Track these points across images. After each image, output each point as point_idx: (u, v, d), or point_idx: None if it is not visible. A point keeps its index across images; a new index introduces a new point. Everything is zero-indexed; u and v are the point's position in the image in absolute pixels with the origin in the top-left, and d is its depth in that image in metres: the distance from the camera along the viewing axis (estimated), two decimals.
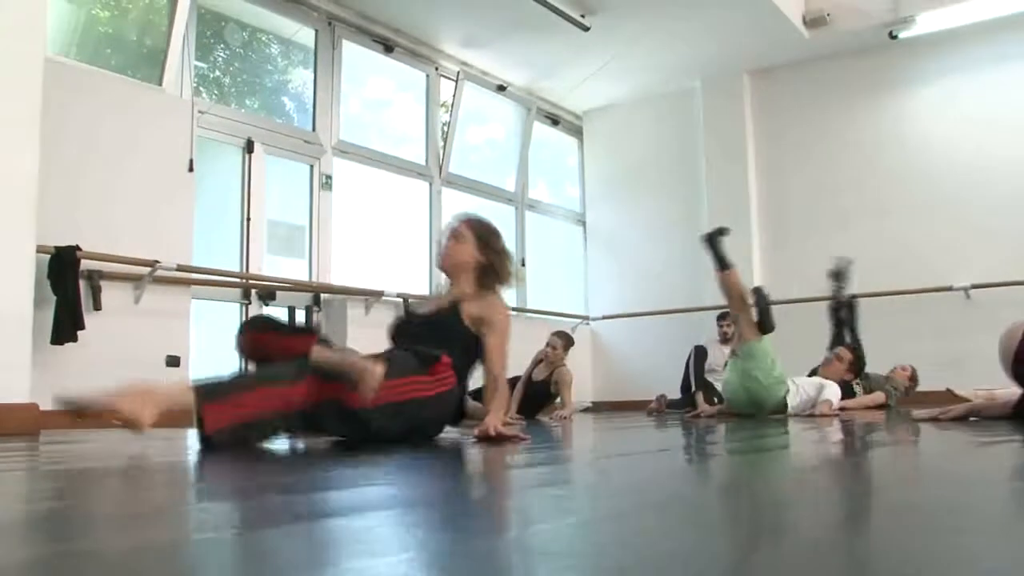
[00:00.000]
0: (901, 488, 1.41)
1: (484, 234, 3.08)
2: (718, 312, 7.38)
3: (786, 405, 4.93)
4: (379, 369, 2.47)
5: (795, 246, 7.96)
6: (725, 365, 5.42)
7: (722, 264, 5.06)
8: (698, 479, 1.66)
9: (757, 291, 5.23)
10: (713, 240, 5.12)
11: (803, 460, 2.03)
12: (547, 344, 6.35)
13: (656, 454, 2.24)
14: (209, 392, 2.30)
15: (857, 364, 5.70)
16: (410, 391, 2.60)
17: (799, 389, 5.00)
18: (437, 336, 2.83)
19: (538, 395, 6.29)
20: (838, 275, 6.39)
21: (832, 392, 4.99)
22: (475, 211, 3.25)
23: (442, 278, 3.21)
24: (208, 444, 2.27)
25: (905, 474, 1.65)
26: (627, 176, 9.05)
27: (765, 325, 4.98)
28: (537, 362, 6.37)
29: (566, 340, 6.40)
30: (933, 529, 0.94)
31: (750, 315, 5.06)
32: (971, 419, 3.28)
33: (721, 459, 2.14)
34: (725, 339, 7.10)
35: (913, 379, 6.15)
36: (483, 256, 3.02)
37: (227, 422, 2.26)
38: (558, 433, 3.50)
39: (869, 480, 1.57)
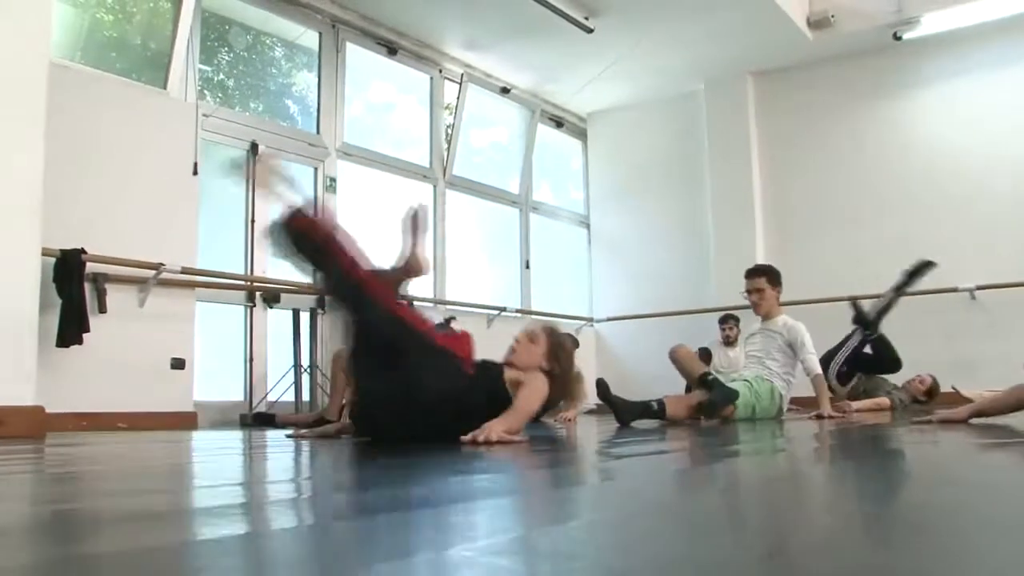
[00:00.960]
0: (903, 489, 1.40)
1: (556, 346, 3.11)
2: (721, 314, 7.39)
3: (782, 409, 4.85)
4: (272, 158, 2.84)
5: (800, 247, 7.95)
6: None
7: (654, 415, 4.53)
8: (702, 482, 1.66)
9: (703, 403, 4.55)
10: (619, 411, 4.54)
11: (804, 462, 2.02)
12: None
13: (660, 456, 2.24)
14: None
15: (773, 272, 5.09)
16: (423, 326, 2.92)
17: (780, 375, 4.84)
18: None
19: None
20: (913, 274, 5.93)
21: (804, 341, 4.75)
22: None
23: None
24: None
25: (907, 475, 1.65)
26: (631, 178, 9.05)
27: (731, 397, 4.58)
28: None
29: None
30: (933, 530, 0.93)
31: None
32: (974, 420, 3.25)
33: (725, 462, 2.14)
34: (728, 342, 7.11)
35: (931, 392, 5.92)
36: (549, 365, 3.02)
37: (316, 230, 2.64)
38: (562, 435, 3.50)
39: (871, 482, 1.57)
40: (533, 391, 2.78)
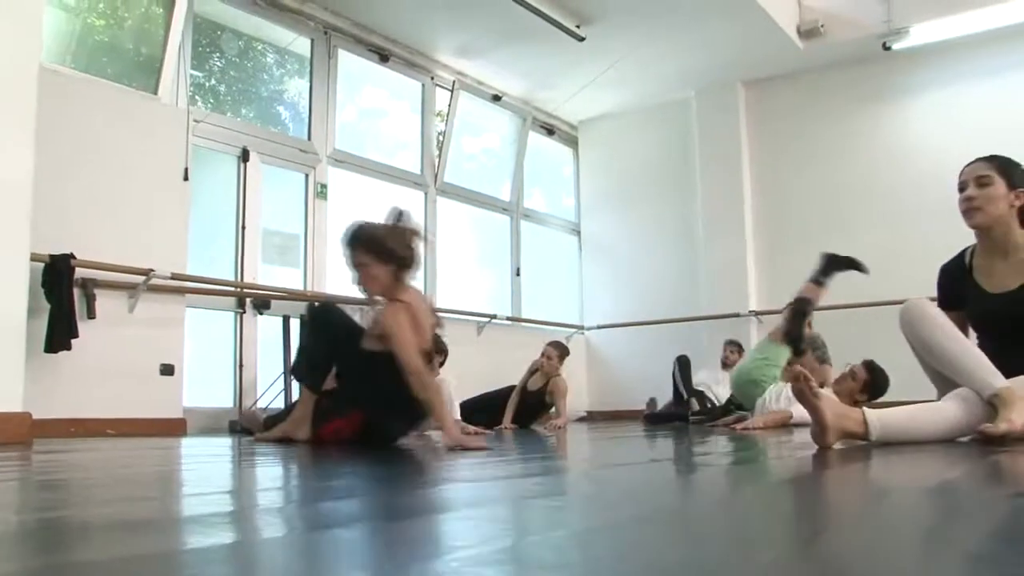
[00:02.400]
0: (886, 494, 1.41)
1: (377, 242, 2.97)
2: (723, 337, 7.35)
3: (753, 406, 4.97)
4: None
5: (790, 256, 7.96)
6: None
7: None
8: (691, 490, 1.66)
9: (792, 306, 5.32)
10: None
11: (803, 468, 2.03)
12: (542, 354, 6.35)
13: (650, 465, 2.24)
14: None
15: (874, 386, 5.12)
16: None
17: (777, 395, 4.94)
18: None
19: (533, 405, 6.29)
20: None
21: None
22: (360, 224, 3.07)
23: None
24: None
25: (886, 485, 1.65)
26: (622, 186, 9.08)
27: (796, 342, 5.12)
28: (532, 372, 6.37)
29: (561, 350, 6.41)
30: (918, 534, 0.94)
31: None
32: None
33: (712, 471, 2.14)
34: (724, 365, 7.03)
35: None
36: (383, 262, 2.93)
37: None
38: (552, 443, 3.50)
39: (855, 489, 1.57)
40: (398, 349, 2.77)
